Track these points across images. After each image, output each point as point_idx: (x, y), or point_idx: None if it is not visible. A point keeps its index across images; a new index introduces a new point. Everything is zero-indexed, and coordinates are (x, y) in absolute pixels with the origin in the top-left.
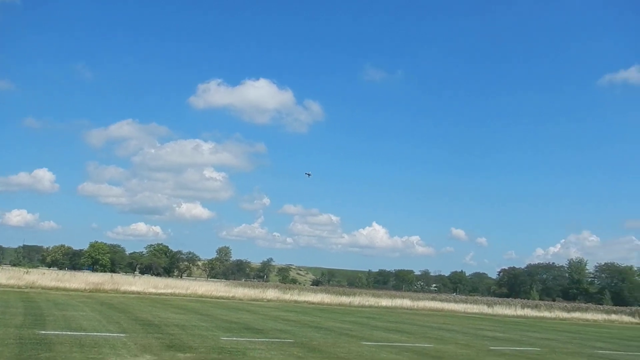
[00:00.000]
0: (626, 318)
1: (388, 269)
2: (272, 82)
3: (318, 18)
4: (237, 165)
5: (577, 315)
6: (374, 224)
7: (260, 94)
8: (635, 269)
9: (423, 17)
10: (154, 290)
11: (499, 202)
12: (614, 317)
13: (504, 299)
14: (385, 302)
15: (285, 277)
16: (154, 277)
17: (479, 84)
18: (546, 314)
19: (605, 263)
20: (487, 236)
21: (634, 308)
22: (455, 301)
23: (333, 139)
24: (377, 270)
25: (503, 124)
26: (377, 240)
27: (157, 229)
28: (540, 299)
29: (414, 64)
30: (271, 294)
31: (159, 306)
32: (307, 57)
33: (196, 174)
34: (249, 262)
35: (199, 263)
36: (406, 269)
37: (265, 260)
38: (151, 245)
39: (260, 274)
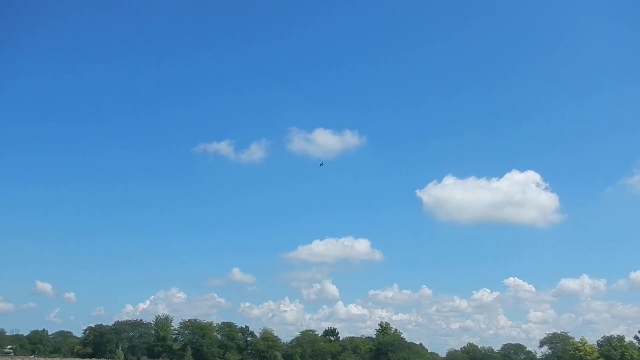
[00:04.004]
0: None
1: None
2: None
3: None
4: None
5: None
6: None
7: None
8: (215, 324)
9: None
10: None
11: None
12: None
13: (87, 359)
14: None
15: None
16: None
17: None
18: None
19: (189, 319)
20: (76, 291)
21: None
22: None
23: None
24: None
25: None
26: None
27: None
28: (126, 358)
29: None
30: None
31: None
32: None
33: None
34: None
35: None
36: None
37: None
38: None
39: None
